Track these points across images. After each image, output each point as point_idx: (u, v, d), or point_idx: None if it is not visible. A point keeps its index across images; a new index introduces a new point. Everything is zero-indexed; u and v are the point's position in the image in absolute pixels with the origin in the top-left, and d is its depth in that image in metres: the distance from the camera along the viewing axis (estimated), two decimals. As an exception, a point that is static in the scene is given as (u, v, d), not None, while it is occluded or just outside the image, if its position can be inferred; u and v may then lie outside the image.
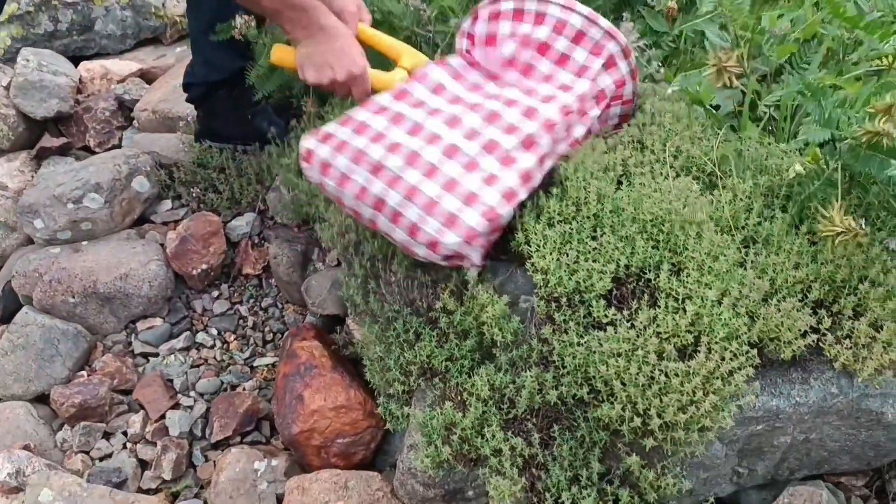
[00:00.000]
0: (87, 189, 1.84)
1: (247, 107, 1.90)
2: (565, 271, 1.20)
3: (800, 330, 1.11)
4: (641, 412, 1.09)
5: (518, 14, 1.40)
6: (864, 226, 1.07)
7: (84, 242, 1.84)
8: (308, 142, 1.31)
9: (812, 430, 1.16)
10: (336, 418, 1.46)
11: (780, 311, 1.11)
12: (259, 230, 1.94)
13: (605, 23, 1.36)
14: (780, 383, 1.14)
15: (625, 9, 1.79)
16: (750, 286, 1.13)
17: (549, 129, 1.27)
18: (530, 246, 1.24)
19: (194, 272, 1.83)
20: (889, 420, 1.15)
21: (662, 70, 1.57)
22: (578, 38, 1.37)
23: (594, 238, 1.23)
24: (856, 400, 1.14)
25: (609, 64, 1.37)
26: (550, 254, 1.21)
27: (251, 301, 1.87)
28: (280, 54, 1.49)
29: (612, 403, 1.10)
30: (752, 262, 1.17)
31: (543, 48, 1.38)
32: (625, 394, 1.10)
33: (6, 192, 2.06)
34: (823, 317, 1.13)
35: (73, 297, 1.73)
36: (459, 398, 1.23)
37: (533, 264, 1.22)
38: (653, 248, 1.20)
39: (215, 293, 1.88)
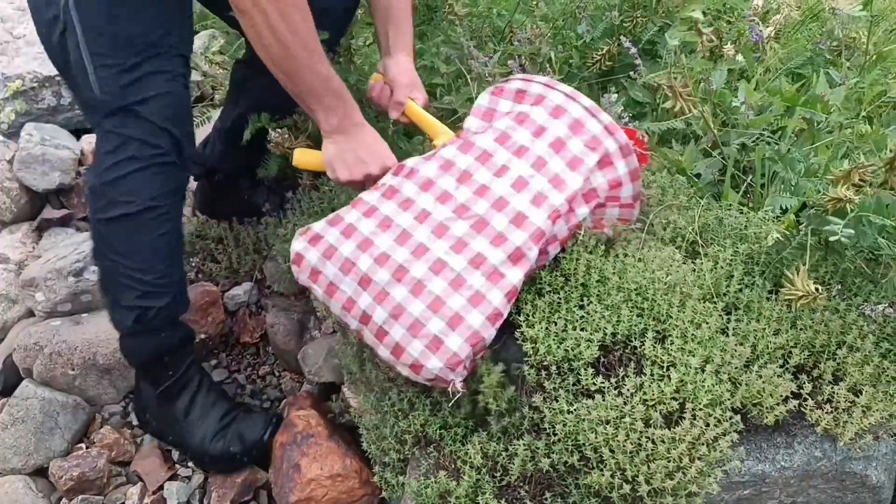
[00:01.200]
0: (88, 262, 1.88)
1: (245, 188, 1.96)
2: (554, 340, 1.23)
3: (781, 395, 1.14)
4: (630, 479, 1.11)
5: (520, 94, 1.38)
6: (821, 290, 1.12)
7: (84, 314, 1.87)
8: (298, 244, 1.32)
9: (798, 494, 1.18)
10: (332, 487, 1.47)
11: (761, 377, 1.15)
12: (256, 299, 1.98)
13: (605, 117, 1.31)
14: (765, 448, 1.17)
15: (609, 81, 1.87)
16: (731, 353, 1.17)
17: (538, 240, 1.24)
18: (520, 315, 1.27)
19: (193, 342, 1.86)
20: (873, 482, 1.18)
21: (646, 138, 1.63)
22: (576, 127, 1.31)
23: (581, 307, 1.27)
24: (840, 463, 1.16)
25: (604, 162, 1.30)
26: (539, 322, 1.25)
27: (249, 369, 1.90)
28: (303, 158, 1.49)
29: (601, 470, 1.13)
30: (733, 329, 1.21)
31: (540, 130, 1.32)
32: (613, 461, 1.12)
33: (8, 264, 2.10)
34: (804, 382, 1.16)
35: (73, 370, 1.76)
36: (453, 466, 1.25)
37: (522, 333, 1.26)
38: (637, 316, 1.24)
39: (213, 362, 1.91)
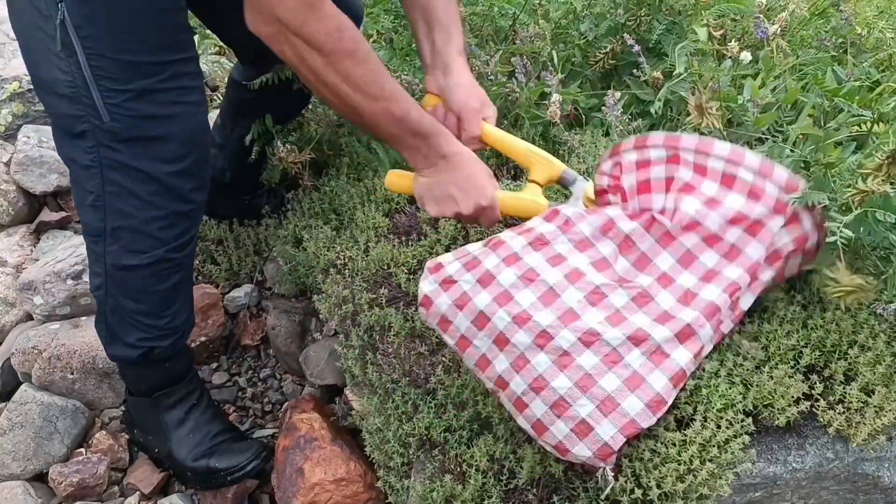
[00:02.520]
0: (87, 265, 1.85)
1: (246, 191, 1.94)
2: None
3: (793, 396, 1.12)
4: (642, 483, 1.09)
5: (674, 159, 1.19)
6: (870, 280, 1.09)
7: (83, 318, 1.85)
8: (427, 285, 1.17)
9: (810, 496, 1.16)
10: (337, 491, 1.46)
11: (772, 378, 1.13)
12: (257, 301, 1.97)
13: (783, 173, 1.14)
14: (777, 449, 1.15)
15: (611, 79, 1.86)
16: (744, 355, 1.15)
17: (711, 315, 1.09)
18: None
19: (193, 344, 1.84)
20: (886, 483, 1.16)
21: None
22: (755, 194, 1.14)
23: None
24: (852, 464, 1.15)
25: (791, 220, 1.14)
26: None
27: (250, 372, 1.88)
28: (395, 180, 1.37)
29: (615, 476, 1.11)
30: (748, 330, 1.19)
31: (712, 202, 1.14)
32: (624, 464, 1.10)
33: (5, 267, 2.09)
34: (816, 382, 1.15)
35: (72, 374, 1.74)
36: (459, 470, 1.24)
37: None
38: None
39: (214, 365, 1.90)
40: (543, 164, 1.35)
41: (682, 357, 1.07)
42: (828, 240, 1.11)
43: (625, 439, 1.04)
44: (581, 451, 1.04)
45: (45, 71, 1.28)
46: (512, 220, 1.40)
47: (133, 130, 1.29)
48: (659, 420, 1.09)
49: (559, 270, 1.11)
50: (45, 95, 1.32)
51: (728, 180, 1.14)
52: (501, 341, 1.09)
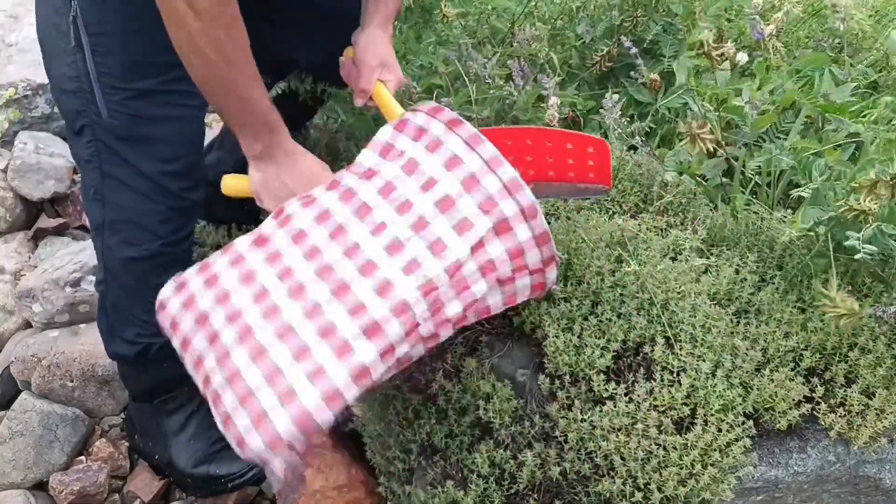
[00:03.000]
0: (85, 272, 1.86)
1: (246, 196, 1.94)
2: (572, 349, 1.21)
3: (793, 399, 1.13)
4: (642, 486, 1.10)
5: (420, 132, 1.19)
6: (863, 305, 1.09)
7: (82, 325, 1.85)
8: (165, 289, 1.21)
9: (812, 499, 1.17)
10: (338, 498, 1.46)
11: (773, 381, 1.13)
12: (256, 306, 1.96)
13: (507, 173, 1.11)
14: (778, 453, 1.15)
15: (608, 81, 1.86)
16: (742, 357, 1.15)
17: (401, 313, 1.08)
18: (541, 327, 1.24)
19: (192, 351, 1.84)
20: (887, 486, 1.16)
21: (647, 147, 1.61)
22: (470, 183, 1.12)
23: (594, 314, 1.25)
24: (853, 467, 1.15)
25: (501, 228, 1.11)
26: (556, 332, 1.23)
27: (249, 378, 1.88)
28: (232, 183, 1.35)
29: (612, 478, 1.11)
30: (743, 332, 1.19)
31: (429, 184, 1.14)
32: (625, 468, 1.11)
33: (4, 274, 2.08)
34: (816, 385, 1.15)
35: (72, 381, 1.73)
36: (460, 475, 1.24)
37: (547, 344, 1.22)
38: (648, 322, 1.22)
39: (213, 371, 1.89)
40: None
41: (367, 354, 1.06)
42: (856, 257, 1.08)
43: (299, 432, 1.02)
44: (255, 442, 1.02)
45: (55, 65, 1.34)
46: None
47: (130, 129, 1.32)
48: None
49: (273, 269, 1.13)
50: (54, 90, 1.38)
51: (453, 162, 1.13)
52: (213, 339, 1.11)
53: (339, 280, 1.10)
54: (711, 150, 1.34)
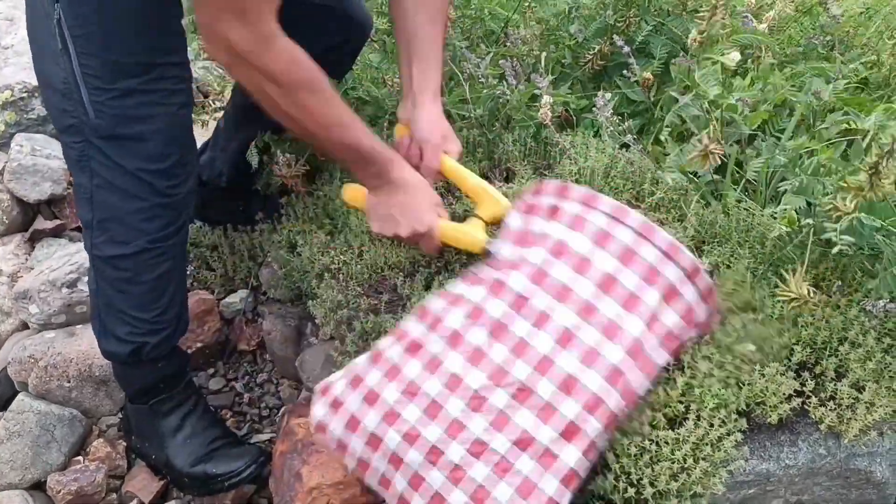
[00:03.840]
0: (82, 273, 1.86)
1: (241, 196, 1.95)
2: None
3: (785, 394, 1.13)
4: (635, 482, 1.10)
5: (553, 211, 1.15)
6: (812, 293, 1.10)
7: (79, 326, 1.85)
8: (319, 409, 1.18)
9: (804, 492, 1.18)
10: (335, 495, 1.46)
11: (764, 376, 1.14)
12: (253, 306, 1.97)
13: (663, 238, 1.08)
14: (769, 446, 1.16)
15: (602, 80, 1.87)
16: (738, 355, 1.16)
17: (594, 408, 1.05)
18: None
19: (189, 350, 1.84)
20: (878, 479, 1.17)
21: (639, 145, 1.62)
22: (627, 257, 1.09)
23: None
24: (844, 460, 1.16)
25: (669, 295, 1.09)
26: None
27: (246, 377, 1.88)
28: (351, 193, 1.45)
29: (605, 474, 1.12)
30: (737, 328, 1.20)
31: (582, 264, 1.10)
32: (618, 465, 1.11)
33: (0, 276, 2.09)
34: (807, 379, 1.16)
35: (69, 382, 1.74)
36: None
37: None
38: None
39: (210, 370, 1.90)
40: (490, 202, 1.38)
41: (571, 457, 1.04)
42: (834, 250, 1.08)
43: None
44: None
45: (45, 65, 1.35)
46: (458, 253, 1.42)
47: (115, 128, 1.33)
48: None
49: (438, 379, 1.10)
50: (44, 89, 1.39)
51: (602, 238, 1.10)
52: (396, 461, 1.10)
53: (517, 383, 1.06)
54: (720, 162, 1.34)
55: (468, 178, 1.43)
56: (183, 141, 1.42)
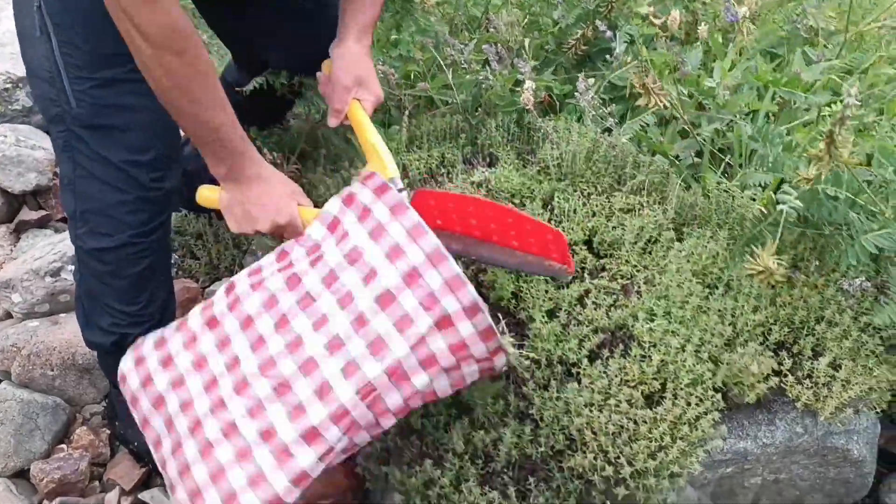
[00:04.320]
0: (65, 261, 1.85)
1: None
2: (556, 336, 1.23)
3: (762, 373, 1.14)
4: (612, 460, 1.11)
5: (365, 212, 1.15)
6: (777, 265, 1.09)
7: (63, 315, 1.85)
8: (125, 362, 1.26)
9: (781, 470, 1.18)
10: (317, 480, 1.46)
11: (742, 355, 1.15)
12: (237, 294, 1.96)
13: (450, 269, 1.06)
14: (747, 425, 1.17)
15: (585, 65, 1.86)
16: (712, 332, 1.17)
17: (339, 419, 1.08)
18: (525, 309, 1.26)
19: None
20: (855, 457, 1.18)
21: (621, 129, 1.62)
22: (411, 277, 1.08)
23: (579, 301, 1.26)
24: (821, 438, 1.16)
25: (443, 323, 1.07)
26: (542, 317, 1.25)
27: (231, 365, 1.88)
28: (205, 194, 1.33)
29: (584, 453, 1.12)
30: (713, 307, 1.20)
31: (370, 275, 1.11)
32: (596, 443, 1.12)
33: (-15, 267, 2.08)
34: (784, 358, 1.16)
35: (52, 370, 1.74)
36: (437, 454, 1.25)
37: (531, 328, 1.24)
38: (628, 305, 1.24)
39: (195, 359, 1.89)
40: (377, 163, 1.32)
41: (307, 459, 1.08)
42: (779, 207, 1.09)
43: None
44: None
45: (30, 53, 1.33)
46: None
47: (97, 118, 1.31)
48: None
49: (223, 357, 1.16)
50: (30, 78, 1.37)
51: (395, 253, 1.09)
52: (169, 425, 1.16)
53: (281, 377, 1.11)
54: (665, 105, 1.34)
55: (366, 132, 1.36)
56: (167, 134, 1.39)
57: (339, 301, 1.12)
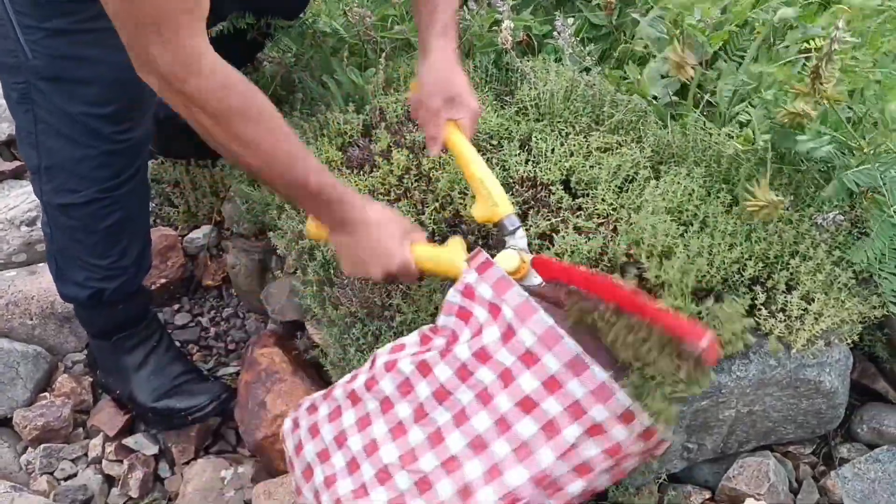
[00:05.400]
0: (41, 210, 1.83)
1: None
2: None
3: (739, 312, 1.14)
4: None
5: (493, 309, 1.06)
6: (782, 197, 1.10)
7: (40, 264, 1.84)
8: (288, 422, 1.23)
9: (755, 403, 1.20)
10: (299, 422, 1.47)
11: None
12: (216, 241, 1.96)
13: (592, 378, 0.98)
14: (721, 359, 1.18)
15: (564, 5, 1.84)
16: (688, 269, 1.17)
17: None
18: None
19: (153, 286, 1.83)
20: (827, 388, 1.20)
21: (599, 68, 1.60)
22: (551, 385, 1.00)
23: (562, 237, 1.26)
24: (794, 370, 1.18)
25: (593, 430, 1.00)
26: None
27: (212, 312, 1.88)
28: (313, 230, 1.24)
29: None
30: (689, 244, 1.21)
31: (506, 376, 1.04)
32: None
33: (-40, 218, 2.05)
34: (758, 293, 1.17)
35: (32, 319, 1.73)
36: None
37: None
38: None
39: (176, 306, 1.89)
40: (487, 201, 1.21)
41: None
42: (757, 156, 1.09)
43: None
44: None
45: None
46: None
47: (54, 70, 1.26)
48: None
49: (361, 438, 1.12)
50: None
51: (529, 358, 1.02)
52: (317, 498, 1.13)
53: (421, 472, 1.05)
54: (690, 77, 1.31)
55: (470, 165, 1.23)
56: (130, 86, 1.25)
57: (477, 396, 1.05)
